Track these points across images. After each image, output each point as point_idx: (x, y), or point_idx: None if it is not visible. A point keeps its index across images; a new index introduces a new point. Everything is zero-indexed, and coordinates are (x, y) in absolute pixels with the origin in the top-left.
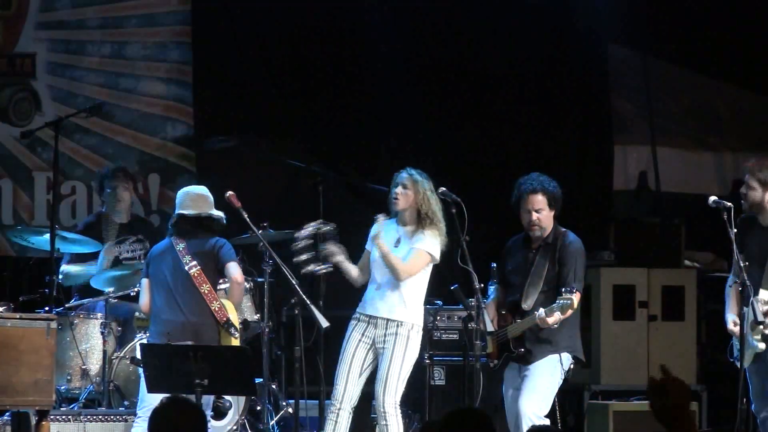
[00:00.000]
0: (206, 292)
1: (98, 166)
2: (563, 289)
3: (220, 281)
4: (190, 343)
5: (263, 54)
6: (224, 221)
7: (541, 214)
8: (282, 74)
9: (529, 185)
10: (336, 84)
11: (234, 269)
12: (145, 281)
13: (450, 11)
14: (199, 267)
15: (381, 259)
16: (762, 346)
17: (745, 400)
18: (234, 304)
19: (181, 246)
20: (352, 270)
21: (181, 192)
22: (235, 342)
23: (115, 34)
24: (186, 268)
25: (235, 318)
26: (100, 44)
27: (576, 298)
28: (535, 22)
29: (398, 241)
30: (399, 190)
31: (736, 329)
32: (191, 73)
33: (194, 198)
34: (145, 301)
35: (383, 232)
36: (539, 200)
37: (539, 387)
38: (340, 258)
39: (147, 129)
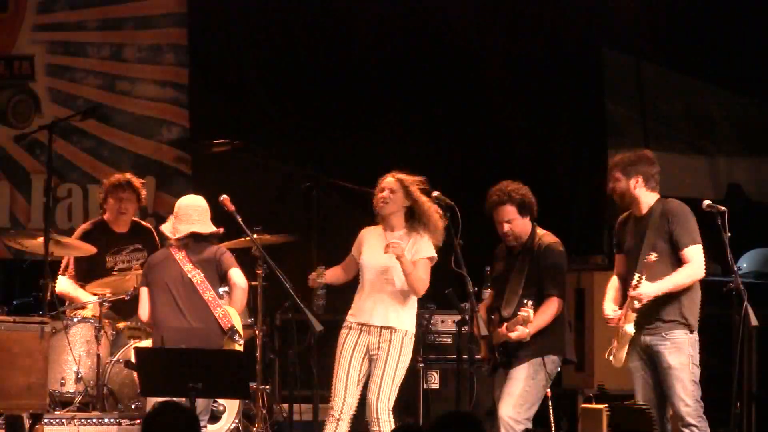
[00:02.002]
0: (210, 299)
1: (95, 169)
2: (524, 301)
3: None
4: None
5: (258, 57)
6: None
7: (513, 223)
8: (277, 77)
9: (496, 197)
10: (331, 87)
11: (237, 275)
12: (144, 290)
13: (445, 16)
14: (202, 274)
15: (393, 270)
16: (631, 329)
17: (738, 404)
18: (237, 310)
19: (181, 254)
20: (332, 278)
21: (186, 205)
22: (238, 348)
23: (113, 36)
24: (189, 275)
25: (239, 324)
26: (98, 46)
27: (550, 306)
28: (529, 27)
29: (386, 247)
30: (386, 194)
31: (613, 316)
32: (187, 75)
33: (201, 212)
34: (145, 310)
35: (375, 241)
36: (508, 211)
37: (517, 391)
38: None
39: (143, 132)
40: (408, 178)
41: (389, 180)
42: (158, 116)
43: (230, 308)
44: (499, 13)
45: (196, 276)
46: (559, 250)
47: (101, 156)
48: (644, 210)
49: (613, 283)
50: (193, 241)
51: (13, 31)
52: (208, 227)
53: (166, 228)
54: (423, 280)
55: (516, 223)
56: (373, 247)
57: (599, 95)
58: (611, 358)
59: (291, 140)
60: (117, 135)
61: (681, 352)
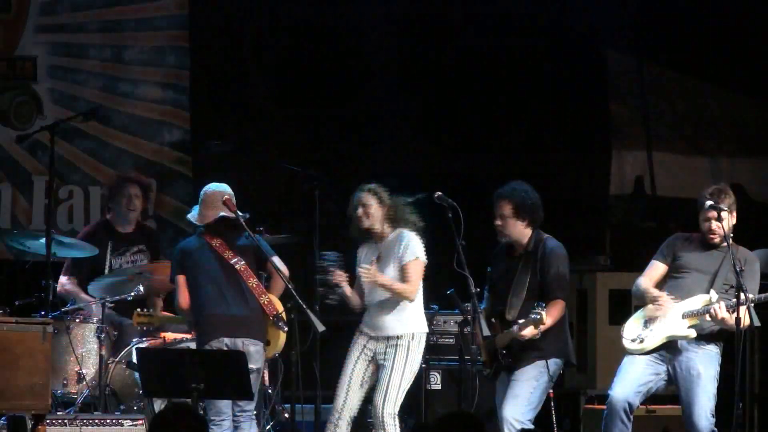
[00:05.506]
0: (254, 285)
1: (96, 171)
2: (536, 303)
3: None
4: (244, 340)
5: (260, 58)
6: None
7: (505, 221)
8: (279, 79)
9: (499, 191)
10: (332, 89)
11: (280, 262)
12: (181, 278)
13: (447, 17)
14: (243, 261)
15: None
16: (693, 333)
17: (740, 404)
18: (278, 297)
19: (217, 241)
20: (354, 299)
21: (213, 191)
22: (283, 336)
23: (114, 38)
24: (232, 262)
25: (283, 312)
26: (100, 48)
27: (557, 308)
28: (531, 28)
29: (379, 257)
30: (360, 211)
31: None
32: (188, 77)
33: (228, 199)
34: (184, 297)
35: (364, 257)
36: (504, 207)
37: (521, 392)
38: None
39: (144, 134)
40: (374, 187)
41: (359, 195)
42: (159, 118)
43: (273, 297)
44: (502, 13)
45: (239, 263)
46: (563, 253)
47: (102, 158)
48: (721, 241)
49: (648, 285)
50: (225, 228)
51: (16, 32)
52: (232, 212)
53: (191, 216)
54: (405, 289)
55: (508, 222)
56: (364, 262)
57: (602, 96)
58: (637, 343)
59: (292, 142)
60: (118, 137)
61: (712, 364)
